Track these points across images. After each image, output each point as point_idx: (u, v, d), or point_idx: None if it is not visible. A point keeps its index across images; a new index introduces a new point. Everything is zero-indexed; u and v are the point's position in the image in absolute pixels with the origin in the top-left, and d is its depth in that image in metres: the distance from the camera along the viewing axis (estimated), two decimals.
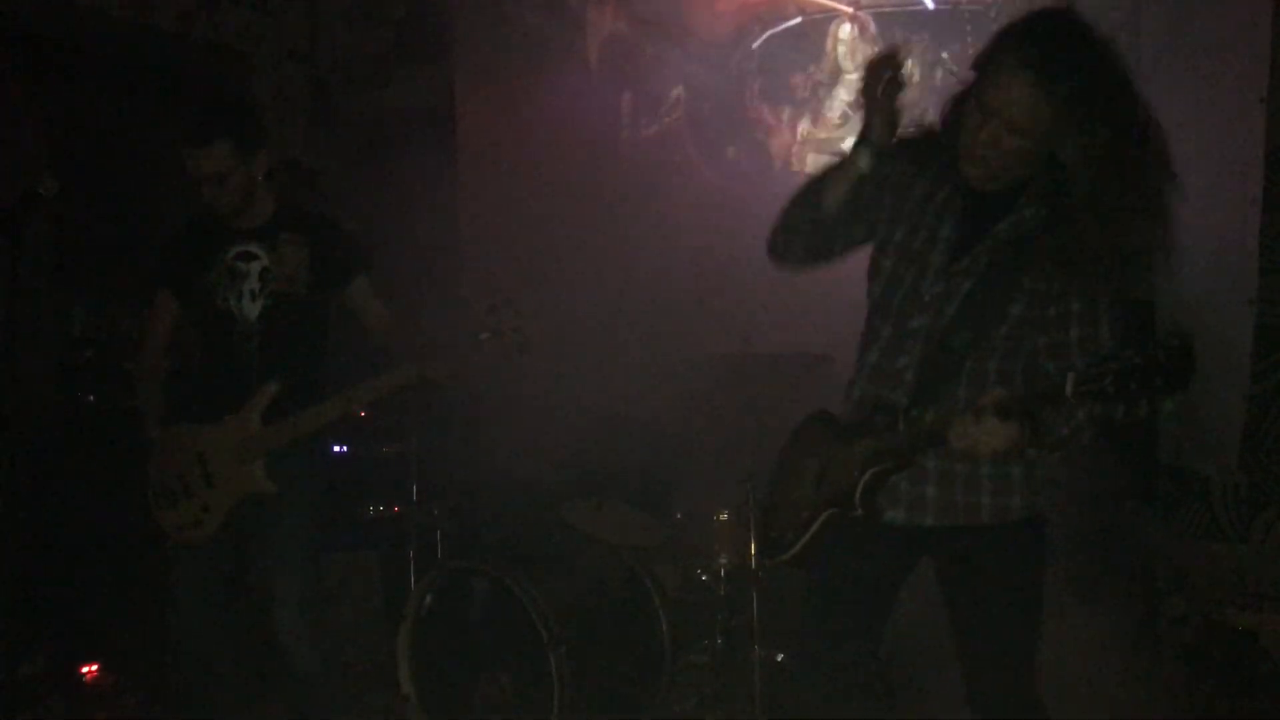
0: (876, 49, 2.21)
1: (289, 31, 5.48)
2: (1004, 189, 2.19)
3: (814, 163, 4.26)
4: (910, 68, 2.21)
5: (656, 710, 3.46)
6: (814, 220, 2.35)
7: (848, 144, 2.36)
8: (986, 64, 2.09)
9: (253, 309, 3.11)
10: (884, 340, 2.30)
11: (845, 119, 4.31)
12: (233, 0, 5.14)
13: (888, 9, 4.22)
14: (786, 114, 4.46)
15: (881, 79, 2.18)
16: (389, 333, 3.19)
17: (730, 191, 4.46)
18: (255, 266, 3.12)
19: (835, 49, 4.34)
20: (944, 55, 4.07)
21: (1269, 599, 3.53)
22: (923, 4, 4.17)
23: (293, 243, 3.11)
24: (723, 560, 3.59)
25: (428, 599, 3.47)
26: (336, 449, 4.47)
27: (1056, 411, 2.03)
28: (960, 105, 2.16)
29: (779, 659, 3.69)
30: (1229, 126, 3.47)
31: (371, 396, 2.99)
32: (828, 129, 4.39)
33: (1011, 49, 2.06)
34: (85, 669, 4.01)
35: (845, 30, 4.31)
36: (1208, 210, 3.52)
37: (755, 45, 4.52)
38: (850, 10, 4.28)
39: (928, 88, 3.90)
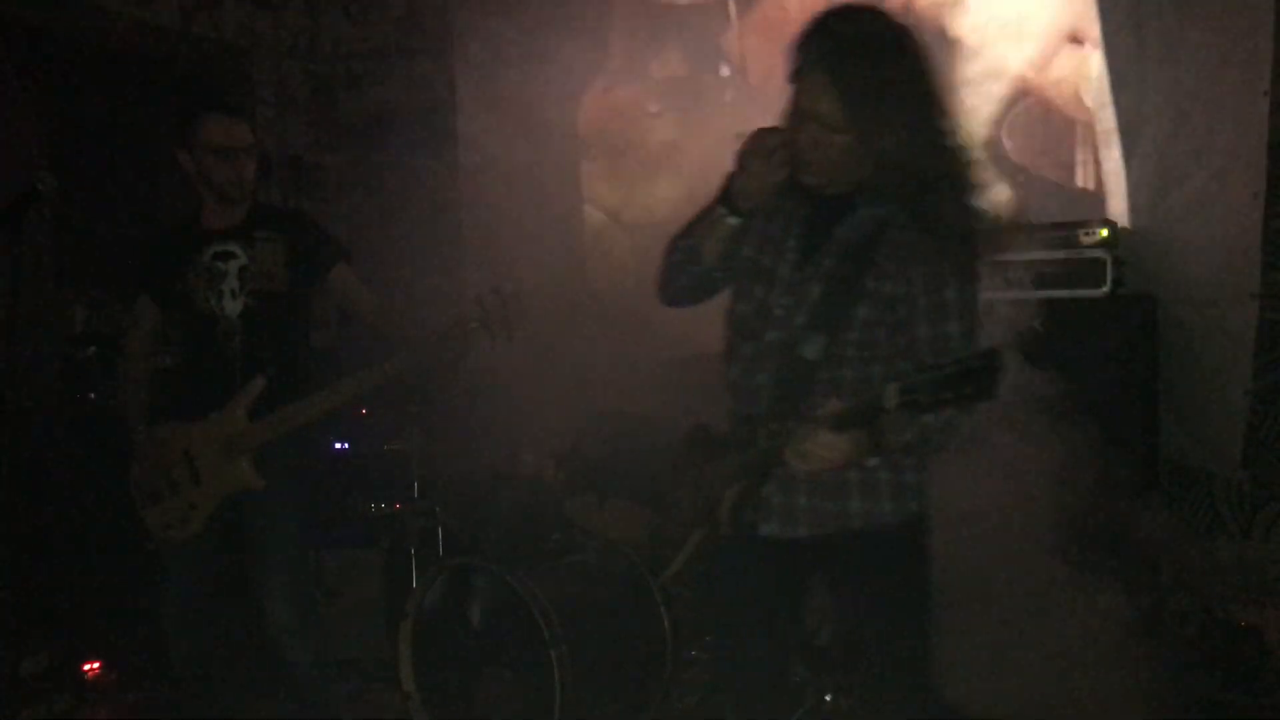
0: None
1: (289, 28, 5.47)
2: (844, 192, 2.18)
3: None
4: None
5: (658, 707, 3.46)
6: (697, 272, 2.38)
7: None
8: (794, 69, 2.11)
9: (234, 307, 3.11)
10: (744, 358, 2.29)
11: None
12: None
13: None
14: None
15: (764, 152, 2.16)
16: (380, 318, 3.18)
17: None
18: (233, 265, 3.13)
19: None
20: None
21: (1272, 595, 3.52)
22: None
23: (269, 239, 3.14)
24: None
25: (429, 596, 3.47)
26: (338, 446, 4.48)
27: (894, 420, 2.00)
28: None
29: None
30: (1232, 120, 3.45)
31: (356, 390, 2.98)
32: None
33: (808, 48, 2.08)
34: (88, 666, 4.01)
35: None
36: (1211, 204, 3.52)
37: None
38: None
39: None
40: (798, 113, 2.10)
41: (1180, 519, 3.67)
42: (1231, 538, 3.64)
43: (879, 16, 2.10)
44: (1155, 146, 3.66)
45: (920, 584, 2.29)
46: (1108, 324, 3.41)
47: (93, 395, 4.40)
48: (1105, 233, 3.49)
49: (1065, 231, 3.53)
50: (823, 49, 2.06)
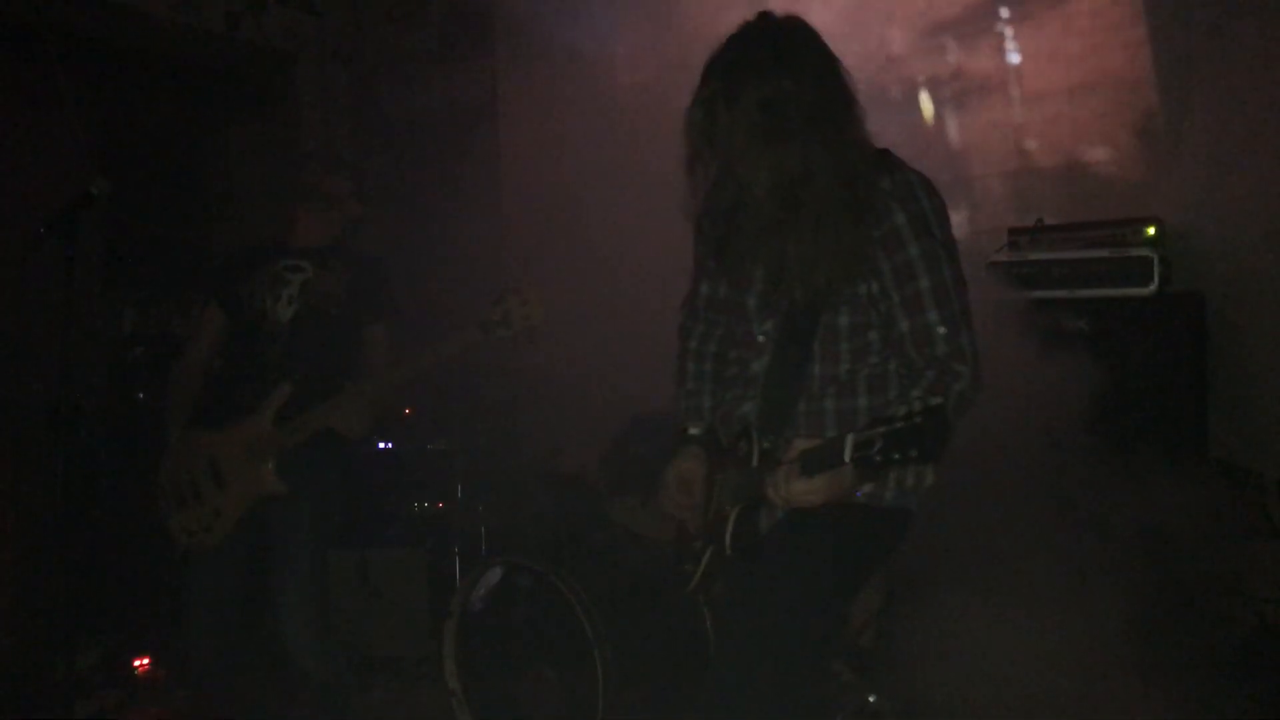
0: None
1: (332, 32, 5.53)
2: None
3: None
4: None
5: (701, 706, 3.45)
6: None
7: None
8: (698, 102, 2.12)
9: (286, 312, 3.18)
10: (737, 384, 2.30)
11: None
12: (278, 1, 5.19)
13: None
14: None
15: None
16: (385, 376, 3.17)
17: None
18: (299, 277, 3.22)
19: None
20: None
21: None
22: None
23: (340, 268, 3.24)
24: None
25: (473, 595, 3.49)
26: (382, 446, 4.52)
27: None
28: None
29: None
30: (1277, 115, 3.41)
31: (379, 390, 3.04)
32: None
33: (707, 80, 2.10)
34: (137, 662, 4.07)
35: None
36: (1260, 200, 3.47)
37: None
38: None
39: None
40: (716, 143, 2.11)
41: (1228, 520, 3.62)
42: None
43: (771, 30, 2.11)
44: (1203, 142, 3.62)
45: (868, 566, 2.28)
46: (1155, 322, 3.38)
47: (141, 395, 4.46)
48: (1152, 230, 3.45)
49: (1112, 229, 3.50)
50: (717, 77, 2.08)
